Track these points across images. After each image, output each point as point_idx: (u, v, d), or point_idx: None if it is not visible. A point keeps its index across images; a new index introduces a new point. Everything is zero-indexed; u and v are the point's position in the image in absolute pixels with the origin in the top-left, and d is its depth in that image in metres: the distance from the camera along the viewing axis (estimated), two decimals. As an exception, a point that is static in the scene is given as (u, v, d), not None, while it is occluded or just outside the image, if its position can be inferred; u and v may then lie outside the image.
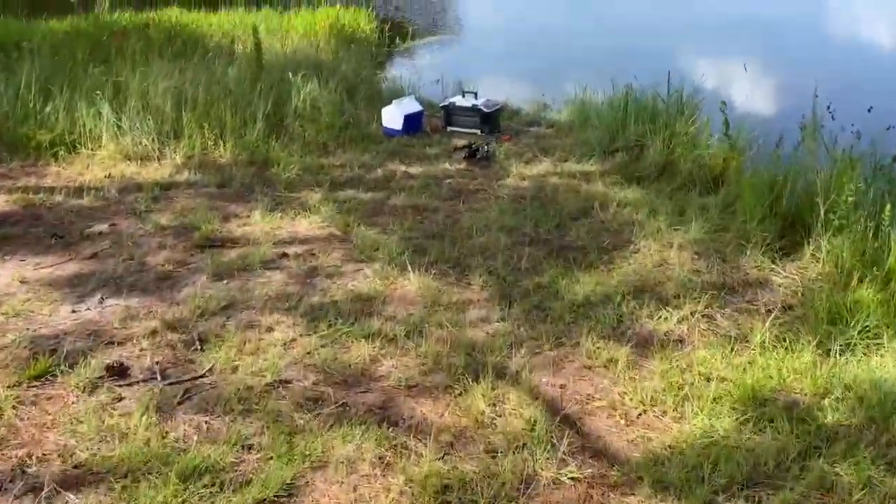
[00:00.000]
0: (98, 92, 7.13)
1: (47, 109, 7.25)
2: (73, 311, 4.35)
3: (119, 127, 6.98)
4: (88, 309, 4.39)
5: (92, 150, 6.92)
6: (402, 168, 6.66)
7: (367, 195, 6.05)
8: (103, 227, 5.47)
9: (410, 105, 7.67)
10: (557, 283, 4.54)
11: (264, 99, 7.44)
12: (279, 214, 5.62)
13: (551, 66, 10.37)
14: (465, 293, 4.51)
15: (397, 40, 11.44)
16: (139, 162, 6.73)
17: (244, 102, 7.39)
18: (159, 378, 3.71)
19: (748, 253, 4.88)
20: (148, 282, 4.69)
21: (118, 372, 3.75)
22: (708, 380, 3.67)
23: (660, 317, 4.21)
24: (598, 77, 9.61)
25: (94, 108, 7.09)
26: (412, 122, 7.60)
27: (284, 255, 5.00)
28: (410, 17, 13.43)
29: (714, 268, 4.75)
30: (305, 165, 6.63)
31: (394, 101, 7.64)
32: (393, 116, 7.54)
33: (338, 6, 11.23)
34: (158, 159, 6.78)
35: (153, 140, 6.91)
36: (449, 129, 7.76)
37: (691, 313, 4.24)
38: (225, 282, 4.67)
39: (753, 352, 3.88)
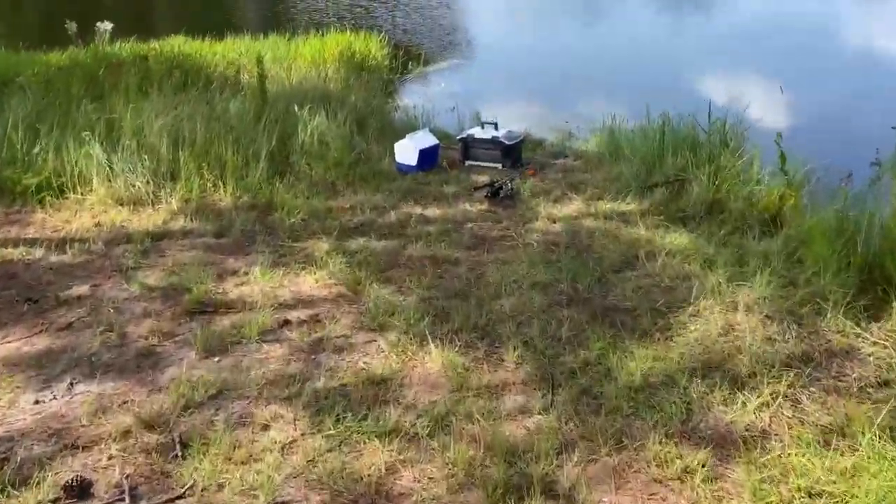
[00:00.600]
0: (88, 132, 6.39)
1: (35, 150, 6.51)
2: (37, 402, 3.59)
3: (111, 169, 6.24)
4: (55, 398, 3.62)
5: (81, 194, 6.17)
6: (418, 210, 5.87)
7: (379, 244, 5.27)
8: (83, 288, 4.70)
9: (425, 138, 6.89)
10: (607, 359, 3.74)
11: (268, 135, 6.69)
12: (281, 270, 4.84)
13: (572, 91, 9.60)
14: (497, 372, 3.71)
15: (410, 66, 10.70)
16: (132, 207, 5.98)
17: (247, 139, 6.64)
18: (128, 500, 2.93)
19: (827, 315, 4.06)
20: (127, 360, 3.92)
21: (78, 491, 2.98)
22: (811, 495, 2.85)
23: (736, 403, 3.40)
24: (623, 103, 8.84)
25: (85, 148, 6.36)
26: (428, 156, 6.83)
27: (286, 322, 4.21)
28: (420, 41, 12.68)
29: (790, 334, 3.93)
30: (312, 209, 5.86)
31: (408, 135, 6.87)
32: (407, 151, 6.77)
33: (348, 32, 10.49)
34: (153, 204, 6.02)
35: (147, 182, 6.16)
36: (467, 163, 6.98)
37: (773, 396, 3.43)
38: (216, 359, 3.89)
39: (860, 452, 3.05)
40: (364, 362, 3.81)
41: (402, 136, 7.15)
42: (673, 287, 4.45)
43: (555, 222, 5.57)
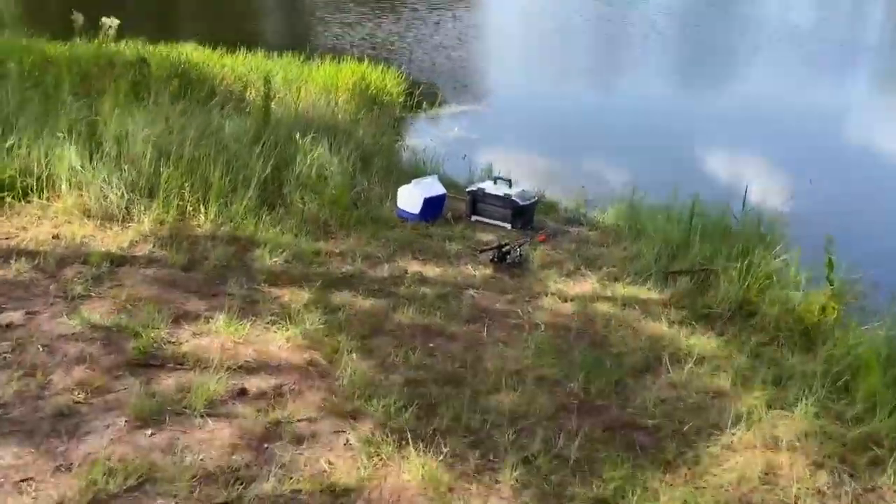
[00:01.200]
0: (62, 132, 5.65)
1: (6, 144, 5.76)
2: (-88, 464, 2.79)
3: (84, 176, 5.49)
4: (-64, 460, 2.83)
5: (47, 199, 5.43)
6: (415, 267, 5.13)
7: (366, 302, 4.51)
8: (16, 315, 3.93)
9: (432, 186, 6.18)
10: (627, 498, 2.97)
11: (264, 160, 5.95)
12: (249, 321, 4.08)
13: (590, 154, 8.94)
14: (489, 498, 2.93)
15: (424, 105, 10.04)
16: (99, 222, 5.23)
17: (239, 162, 5.90)
18: None
19: (886, 469, 3.31)
20: (41, 419, 3.14)
21: None
22: None
23: (784, 583, 2.63)
24: (643, 173, 8.17)
25: (59, 149, 5.62)
26: (433, 206, 6.10)
27: (242, 392, 3.44)
28: (437, 81, 12.05)
29: (843, 489, 3.18)
30: (298, 250, 5.11)
31: (413, 181, 6.15)
32: (411, 198, 6.04)
33: (365, 62, 9.83)
34: (122, 221, 5.27)
35: (121, 196, 5.40)
36: (474, 218, 6.26)
37: (828, 578, 2.66)
38: (149, 432, 3.11)
39: None
40: (327, 462, 3.03)
41: (408, 181, 6.45)
42: (702, 406, 3.70)
43: (566, 301, 4.82)
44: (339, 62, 9.76)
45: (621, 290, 5.06)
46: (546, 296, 4.87)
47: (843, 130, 11.43)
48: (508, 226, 6.13)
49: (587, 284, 5.14)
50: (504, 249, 5.33)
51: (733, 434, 3.44)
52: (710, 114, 11.66)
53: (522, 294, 4.88)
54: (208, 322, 4.02)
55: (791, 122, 10.96)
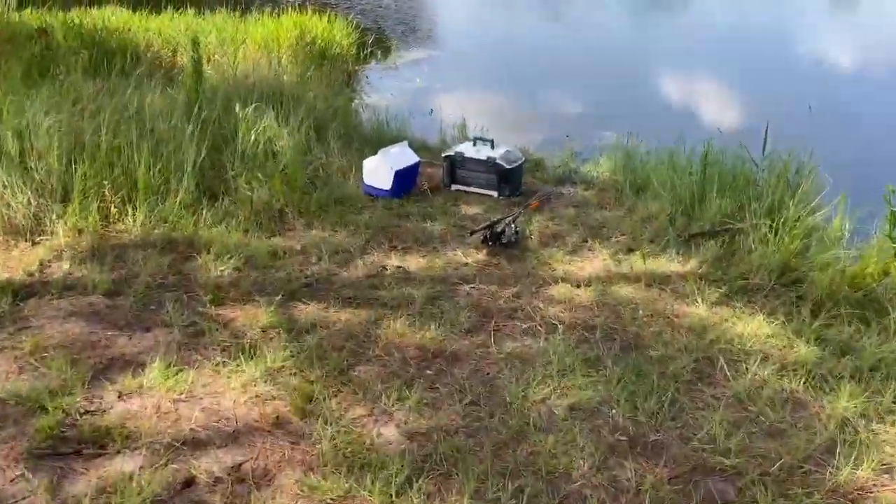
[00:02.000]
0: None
1: None
2: None
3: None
4: None
5: (-66, 214, 4.33)
6: (395, 260, 4.17)
7: (341, 316, 3.56)
8: None
9: (403, 155, 5.18)
10: None
11: (198, 142, 4.89)
12: (193, 365, 3.11)
13: (568, 99, 7.94)
14: None
15: (378, 56, 8.91)
16: (1, 239, 4.17)
17: (169, 147, 4.83)
18: None
19: None
20: None
21: None
22: None
23: None
24: (630, 115, 7.25)
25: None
26: (405, 179, 5.12)
27: (188, 483, 2.50)
28: (390, 27, 10.86)
29: None
30: (249, 252, 4.12)
31: (381, 151, 5.14)
32: (379, 171, 5.04)
33: (308, 13, 8.60)
34: (30, 234, 4.22)
35: (27, 203, 4.34)
36: (454, 187, 5.29)
37: None
38: (58, 570, 2.16)
39: None
40: (314, 590, 2.12)
41: (372, 149, 5.45)
42: (784, 429, 2.84)
43: (580, 287, 3.92)
44: (278, 15, 8.53)
45: (640, 264, 4.18)
46: (555, 282, 3.96)
47: (813, 50, 10.55)
48: (495, 193, 5.18)
49: (599, 261, 4.24)
50: (496, 228, 4.39)
51: (840, 472, 2.59)
52: (675, 44, 10.68)
53: (527, 283, 3.96)
54: (139, 373, 3.04)
55: (766, 46, 10.06)
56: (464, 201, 5.10)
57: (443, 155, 5.34)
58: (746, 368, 3.17)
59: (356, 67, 8.34)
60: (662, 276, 4.05)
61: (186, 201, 4.54)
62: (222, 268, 3.96)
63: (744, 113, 7.37)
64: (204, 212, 4.50)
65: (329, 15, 8.82)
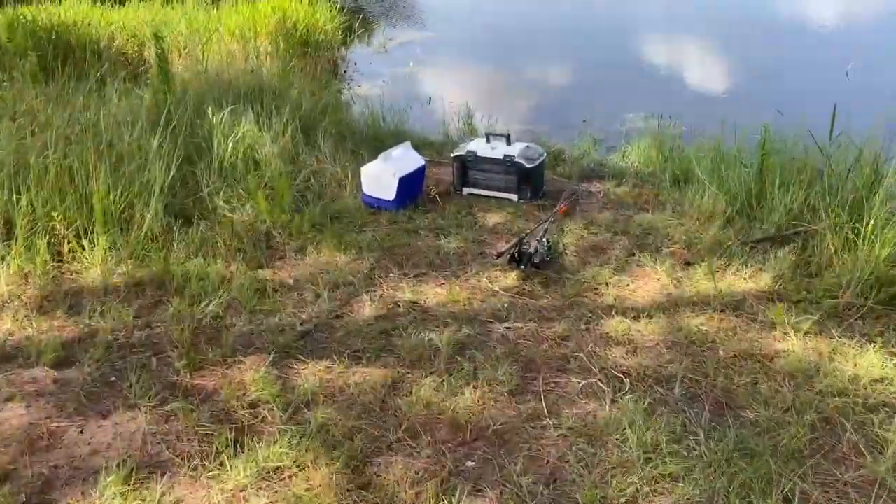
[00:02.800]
0: None
1: None
2: None
3: None
4: None
5: None
6: (409, 293, 3.38)
7: (350, 380, 2.79)
8: None
9: (406, 158, 4.37)
10: None
11: (167, 156, 4.07)
12: (162, 473, 2.33)
13: (578, 77, 7.10)
14: None
15: (366, 40, 8.04)
16: (-71, 289, 3.37)
17: (134, 164, 4.01)
18: None
19: None
20: None
21: None
22: None
23: None
24: (649, 95, 6.44)
25: None
26: (411, 186, 4.32)
27: None
28: (367, 7, 9.94)
29: None
30: (232, 293, 3.33)
31: (381, 155, 4.32)
32: (381, 180, 4.24)
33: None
34: (-34, 283, 3.41)
35: (-38, 243, 3.52)
36: (466, 191, 4.50)
37: None
38: None
39: None
40: None
41: (369, 150, 4.69)
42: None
43: (638, 318, 3.15)
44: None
45: (704, 284, 3.40)
46: (607, 314, 3.19)
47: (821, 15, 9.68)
48: (514, 196, 4.39)
49: (653, 281, 3.46)
50: (525, 245, 3.60)
51: None
52: (679, 11, 9.80)
53: (573, 317, 3.18)
54: (90, 492, 2.25)
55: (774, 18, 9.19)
56: (479, 208, 4.30)
57: (452, 154, 4.54)
58: (880, 436, 2.41)
59: (343, 54, 7.47)
60: (735, 299, 3.29)
61: (155, 230, 3.74)
62: (200, 316, 3.17)
63: (771, 84, 6.56)
64: (176, 242, 3.70)
65: (310, -3, 7.92)
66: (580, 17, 9.54)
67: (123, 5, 7.53)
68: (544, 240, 3.68)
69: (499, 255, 3.54)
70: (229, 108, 4.59)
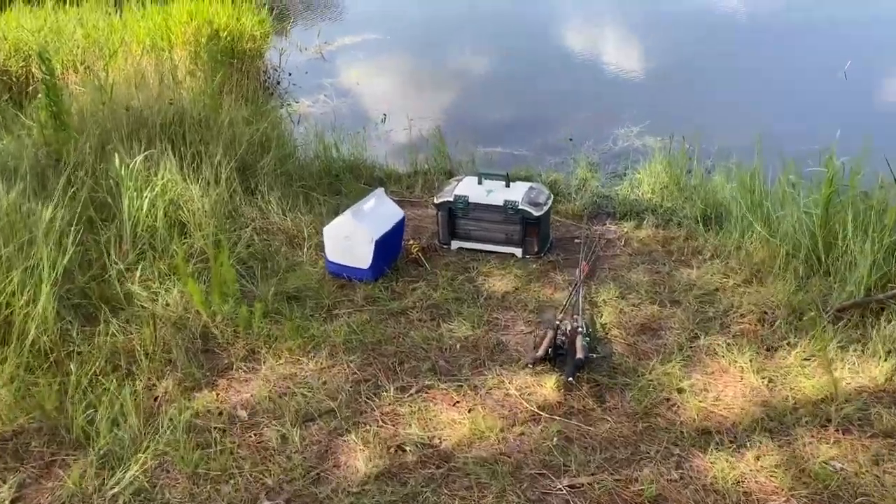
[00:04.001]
0: None
1: None
2: None
3: None
4: None
5: None
6: (414, 426, 2.36)
7: None
8: None
9: (381, 213, 3.32)
10: None
11: (62, 231, 2.91)
12: None
13: (544, 80, 6.14)
14: None
15: (298, 45, 6.89)
16: None
17: (13, 244, 2.84)
18: None
19: None
20: None
21: None
22: None
23: None
24: (630, 100, 5.55)
25: None
26: (388, 247, 3.28)
27: None
28: (301, 5, 8.73)
29: None
30: (157, 447, 2.24)
31: (348, 211, 3.25)
32: (351, 243, 3.17)
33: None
34: None
35: None
36: (456, 244, 3.50)
37: None
38: None
39: None
40: None
41: (324, 190, 3.66)
42: None
43: (742, 450, 2.22)
44: (166, 1, 6.31)
45: (801, 380, 2.50)
46: (701, 447, 2.24)
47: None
48: (518, 251, 3.41)
49: (738, 380, 2.54)
50: (560, 341, 2.61)
51: None
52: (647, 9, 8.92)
53: (657, 457, 2.23)
54: None
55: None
56: (478, 271, 3.30)
57: (436, 201, 3.51)
58: None
59: (274, 63, 6.30)
60: (855, 404, 2.39)
61: (44, 343, 2.59)
62: (115, 490, 2.08)
63: (762, 85, 5.76)
64: (73, 361, 2.56)
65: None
66: (529, 13, 8.55)
67: (2, 11, 6.15)
68: (582, 323, 2.71)
69: (534, 363, 2.54)
70: (143, 155, 3.43)
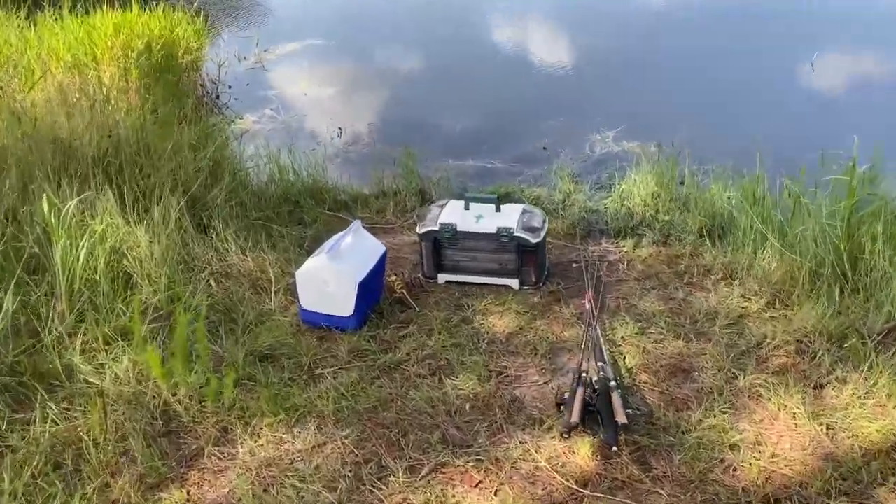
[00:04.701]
0: None
1: None
2: None
3: None
4: None
5: None
6: (436, 519, 1.96)
7: None
8: None
9: (361, 250, 2.89)
10: None
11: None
12: None
13: (509, 84, 5.78)
14: None
15: (237, 53, 6.36)
16: None
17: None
18: None
19: None
20: None
21: None
22: None
23: None
24: (599, 98, 5.24)
25: None
26: (371, 289, 2.85)
27: None
28: (239, 13, 8.15)
29: None
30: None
31: (325, 249, 2.80)
32: (329, 288, 2.73)
33: (131, 6, 5.73)
34: None
35: None
36: (444, 278, 3.10)
37: None
38: None
39: None
40: None
41: (284, 222, 3.20)
42: None
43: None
44: (86, 12, 5.65)
45: (862, 422, 2.21)
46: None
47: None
48: (514, 283, 3.03)
49: (793, 428, 2.23)
50: (593, 398, 2.24)
51: None
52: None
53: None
54: None
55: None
56: (474, 308, 2.92)
57: (420, 231, 3.09)
58: None
59: (212, 76, 5.75)
60: (926, 450, 2.09)
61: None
62: None
63: (721, 73, 5.51)
64: (4, 463, 2.07)
65: (160, 5, 6.03)
66: (472, 6, 8.12)
67: None
68: (610, 372, 2.35)
69: (569, 433, 2.14)
70: (76, 200, 2.91)
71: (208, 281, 2.93)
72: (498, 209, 3.08)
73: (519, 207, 3.13)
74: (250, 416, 2.33)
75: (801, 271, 2.88)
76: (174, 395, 2.37)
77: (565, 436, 2.12)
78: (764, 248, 3.08)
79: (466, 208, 3.10)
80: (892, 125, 4.41)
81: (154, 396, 2.36)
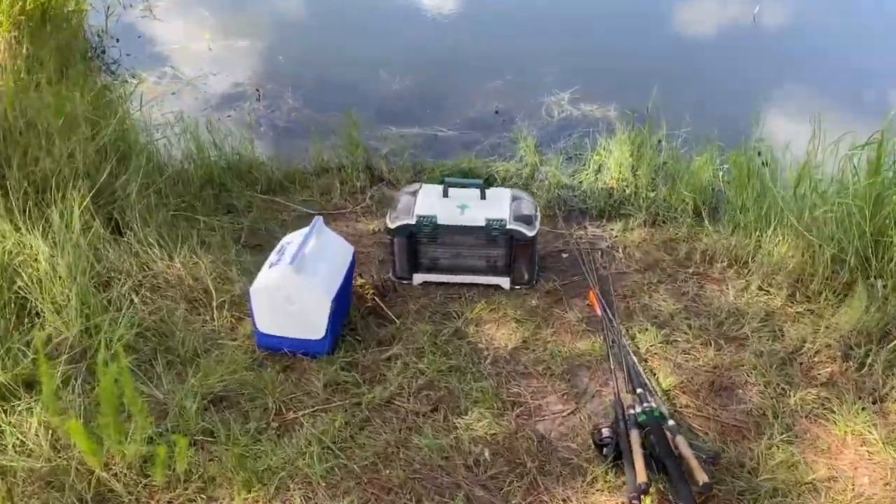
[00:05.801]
0: None
1: None
2: None
3: None
4: None
5: None
6: None
7: None
8: None
9: (328, 254, 2.33)
10: None
11: None
12: None
13: (437, 40, 5.18)
14: None
15: (140, 8, 5.43)
16: None
17: None
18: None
19: None
20: None
21: None
22: None
23: None
24: (550, 58, 4.76)
25: None
26: (342, 304, 2.31)
27: None
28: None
29: None
30: None
31: (284, 258, 2.22)
32: (294, 307, 2.18)
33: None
34: None
35: None
36: (420, 278, 2.60)
37: None
38: None
39: None
40: None
41: (211, 210, 2.62)
42: None
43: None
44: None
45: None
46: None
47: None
48: (505, 282, 2.57)
49: (866, 458, 1.92)
50: (646, 443, 1.84)
51: None
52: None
53: None
54: None
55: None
56: (467, 317, 2.46)
57: (391, 225, 2.56)
58: None
59: (96, 26, 4.85)
60: None
61: None
62: None
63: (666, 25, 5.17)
64: None
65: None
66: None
67: None
68: (652, 400, 1.95)
69: (639, 497, 1.71)
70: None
71: (130, 298, 2.31)
72: (483, 196, 2.59)
73: (507, 193, 2.65)
74: (212, 488, 1.78)
75: (821, 258, 2.57)
76: (108, 466, 1.78)
77: (635, 502, 1.70)
78: (770, 231, 2.75)
79: (445, 195, 2.59)
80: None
81: (81, 473, 1.76)
